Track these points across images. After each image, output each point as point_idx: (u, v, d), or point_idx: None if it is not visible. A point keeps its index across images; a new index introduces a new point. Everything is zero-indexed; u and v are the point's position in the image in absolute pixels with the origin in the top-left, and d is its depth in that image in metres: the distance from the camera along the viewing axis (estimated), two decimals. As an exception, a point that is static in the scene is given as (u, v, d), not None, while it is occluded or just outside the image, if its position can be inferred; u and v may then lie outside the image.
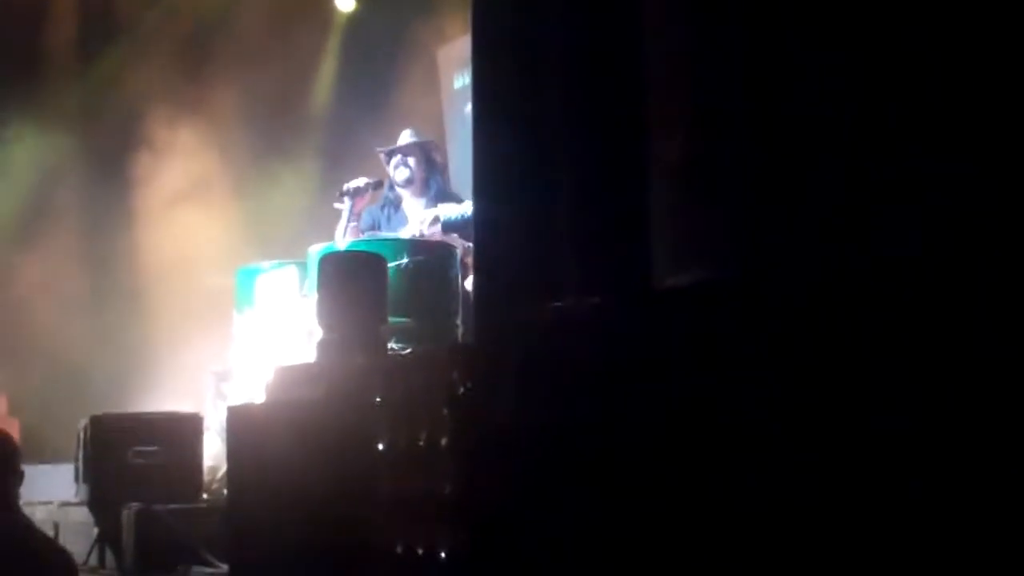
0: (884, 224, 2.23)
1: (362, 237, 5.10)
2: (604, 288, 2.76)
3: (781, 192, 2.42)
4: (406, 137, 5.55)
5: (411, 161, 5.48)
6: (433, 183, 5.53)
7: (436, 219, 5.25)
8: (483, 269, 3.35)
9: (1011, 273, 1.91)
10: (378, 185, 5.37)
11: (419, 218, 5.37)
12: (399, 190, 5.53)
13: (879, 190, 2.25)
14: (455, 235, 5.11)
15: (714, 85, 2.53)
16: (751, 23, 2.44)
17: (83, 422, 4.71)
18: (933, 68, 2.17)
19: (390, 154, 5.53)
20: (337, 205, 5.23)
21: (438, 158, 5.64)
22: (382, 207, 5.56)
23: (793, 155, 2.41)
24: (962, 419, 1.91)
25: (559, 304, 2.81)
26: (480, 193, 3.60)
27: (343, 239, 4.91)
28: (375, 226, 5.44)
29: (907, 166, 2.21)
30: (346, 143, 7.42)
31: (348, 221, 5.14)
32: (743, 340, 2.24)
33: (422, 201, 5.48)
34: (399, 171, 5.49)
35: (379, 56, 7.90)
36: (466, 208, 4.94)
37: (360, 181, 5.31)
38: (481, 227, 3.50)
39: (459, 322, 4.75)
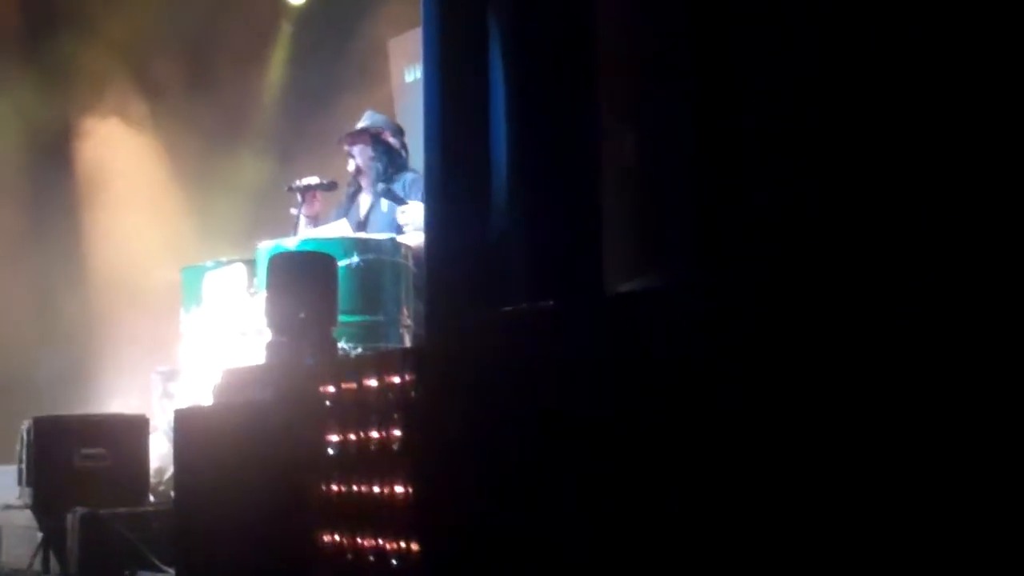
0: (836, 227, 2.23)
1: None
2: (557, 292, 2.74)
3: (733, 196, 2.41)
4: (361, 121, 5.45)
5: (356, 150, 5.38)
6: (390, 167, 5.34)
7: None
8: (435, 271, 3.32)
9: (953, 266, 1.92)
10: (330, 186, 5.30)
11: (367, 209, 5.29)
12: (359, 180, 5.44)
13: (830, 193, 2.25)
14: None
15: (665, 90, 2.52)
16: (703, 28, 2.43)
17: (26, 423, 4.63)
18: (887, 70, 2.17)
19: (341, 143, 5.42)
20: (293, 210, 5.15)
21: (390, 139, 5.40)
22: (349, 203, 5.48)
23: (745, 159, 2.40)
24: (914, 420, 1.91)
25: (512, 307, 2.79)
26: (431, 193, 3.57)
27: (294, 238, 4.85)
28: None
29: (861, 168, 2.20)
30: (297, 137, 7.35)
31: (298, 219, 5.08)
32: (696, 345, 2.24)
33: (373, 189, 5.38)
34: (349, 163, 5.42)
35: (330, 48, 7.82)
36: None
37: (311, 179, 5.24)
38: (432, 228, 3.47)
39: (410, 321, 4.72)
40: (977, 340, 1.85)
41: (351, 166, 5.42)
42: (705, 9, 2.43)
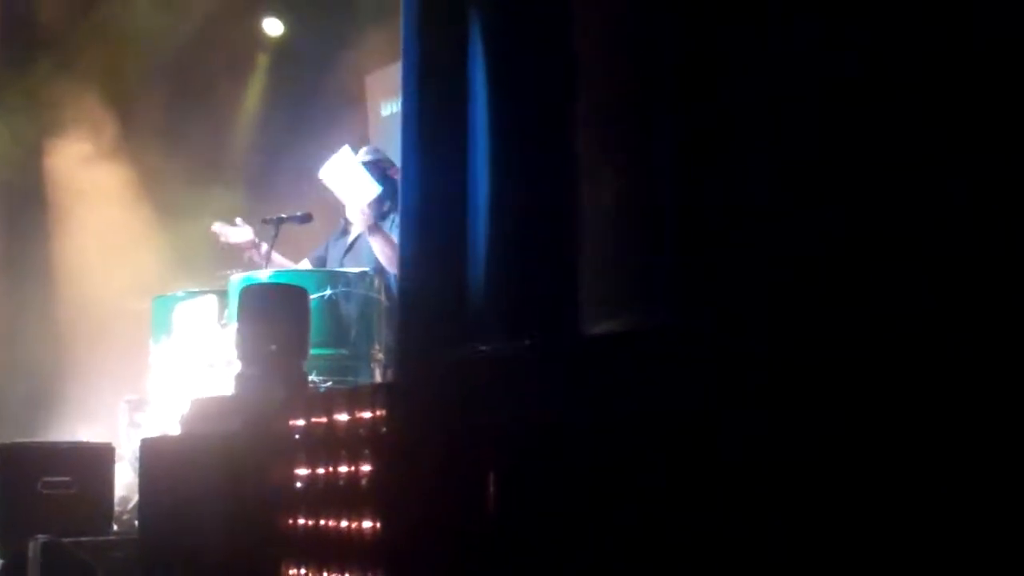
0: (817, 270, 2.25)
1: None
2: (533, 332, 2.75)
3: (713, 238, 2.43)
4: (363, 155, 5.46)
5: None
6: (386, 201, 5.33)
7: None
8: (408, 307, 3.32)
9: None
10: (304, 219, 5.30)
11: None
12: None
13: (810, 237, 2.26)
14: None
15: (645, 130, 2.54)
16: (685, 69, 2.46)
17: (-10, 450, 4.59)
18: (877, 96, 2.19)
19: None
20: (253, 252, 5.12)
21: (395, 176, 5.44)
22: (337, 236, 5.48)
23: (727, 199, 2.42)
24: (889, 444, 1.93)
25: (485, 347, 2.79)
26: (406, 229, 3.57)
27: (266, 270, 4.84)
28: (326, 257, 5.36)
29: (834, 210, 2.22)
30: (271, 169, 7.35)
31: (270, 251, 5.07)
32: (674, 387, 2.25)
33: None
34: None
35: (307, 81, 7.84)
36: None
37: (287, 212, 5.25)
38: (406, 264, 3.47)
39: (381, 355, 4.72)
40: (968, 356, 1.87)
41: None
42: (687, 50, 2.46)
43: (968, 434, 1.85)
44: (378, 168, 5.39)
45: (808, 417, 2.04)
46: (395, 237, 5.19)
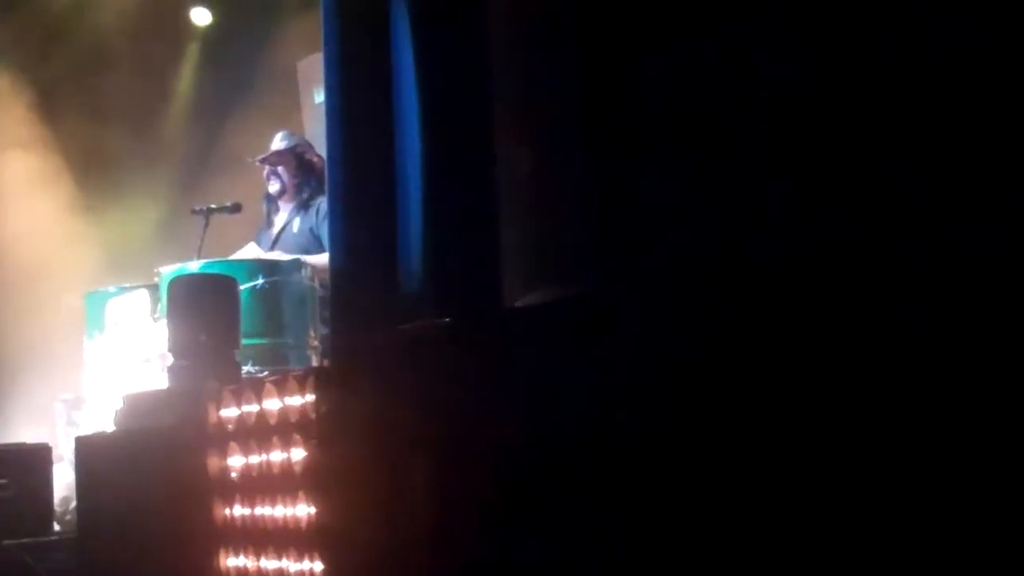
0: (728, 237, 2.28)
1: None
2: (456, 308, 2.76)
3: (626, 209, 2.45)
4: (277, 142, 5.40)
5: (280, 170, 5.35)
6: (306, 187, 5.32)
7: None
8: (338, 290, 3.32)
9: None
10: (234, 208, 5.26)
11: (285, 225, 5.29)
12: (277, 201, 5.40)
13: (726, 204, 2.29)
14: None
15: (555, 107, 2.56)
16: (589, 51, 2.47)
17: (-74, 454, 4.52)
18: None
19: (263, 163, 5.39)
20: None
21: (314, 159, 5.35)
22: (266, 224, 5.44)
23: (636, 170, 2.44)
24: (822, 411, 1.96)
25: (411, 325, 2.80)
26: (335, 213, 3.57)
27: (197, 262, 4.80)
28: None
29: (752, 178, 2.25)
30: (203, 159, 7.27)
31: (202, 243, 5.03)
32: (592, 358, 2.27)
33: (290, 207, 5.36)
34: (271, 183, 5.36)
35: (238, 70, 7.76)
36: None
37: (217, 203, 5.21)
38: (336, 248, 3.47)
39: (317, 343, 4.70)
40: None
41: (273, 187, 5.37)
42: (591, 35, 2.47)
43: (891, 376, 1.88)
44: (294, 154, 5.36)
45: (731, 379, 2.06)
46: (319, 223, 5.17)
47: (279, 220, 5.40)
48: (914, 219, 1.90)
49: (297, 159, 5.36)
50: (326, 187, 3.72)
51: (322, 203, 5.19)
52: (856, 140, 2.00)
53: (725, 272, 2.19)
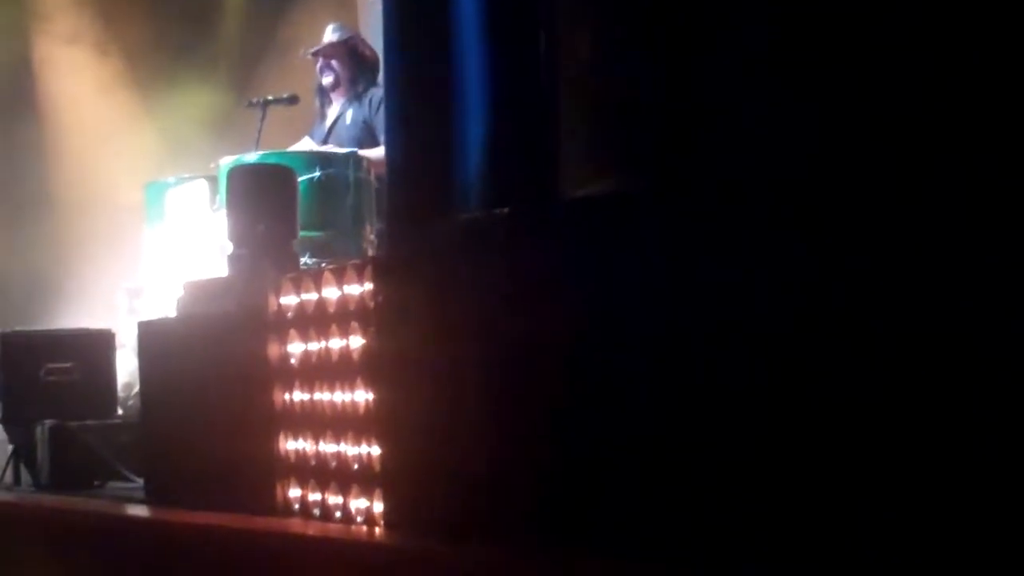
0: (794, 133, 2.25)
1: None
2: (514, 199, 2.77)
3: (693, 100, 2.43)
4: (329, 34, 5.39)
5: (334, 63, 5.35)
6: (360, 80, 5.32)
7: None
8: (394, 181, 3.34)
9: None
10: (291, 100, 5.27)
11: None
12: (330, 94, 5.41)
13: (791, 97, 2.26)
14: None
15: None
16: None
17: (-7, 339, 4.65)
18: None
19: (316, 56, 5.38)
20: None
21: (367, 51, 5.35)
22: (320, 118, 5.46)
23: (705, 61, 2.41)
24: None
25: (469, 216, 2.82)
26: (392, 107, 3.57)
27: (255, 153, 4.83)
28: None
29: (818, 77, 2.22)
30: (260, 52, 7.26)
31: (259, 135, 5.06)
32: (654, 250, 2.27)
33: (343, 99, 5.36)
34: (324, 76, 5.36)
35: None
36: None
37: (274, 94, 5.22)
38: (392, 139, 3.48)
39: (372, 236, 4.74)
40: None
41: (327, 79, 5.37)
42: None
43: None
44: (347, 46, 5.35)
45: (786, 276, 2.06)
46: (372, 115, 5.17)
47: (332, 112, 5.41)
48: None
49: (350, 51, 5.35)
50: (383, 78, 3.71)
51: (375, 94, 5.19)
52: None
53: (787, 170, 2.17)
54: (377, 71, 5.30)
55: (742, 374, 2.09)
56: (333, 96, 5.41)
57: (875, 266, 1.94)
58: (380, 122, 5.09)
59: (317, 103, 5.48)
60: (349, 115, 5.33)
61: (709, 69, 2.39)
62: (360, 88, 5.31)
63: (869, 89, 2.08)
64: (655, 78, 2.50)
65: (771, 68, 2.28)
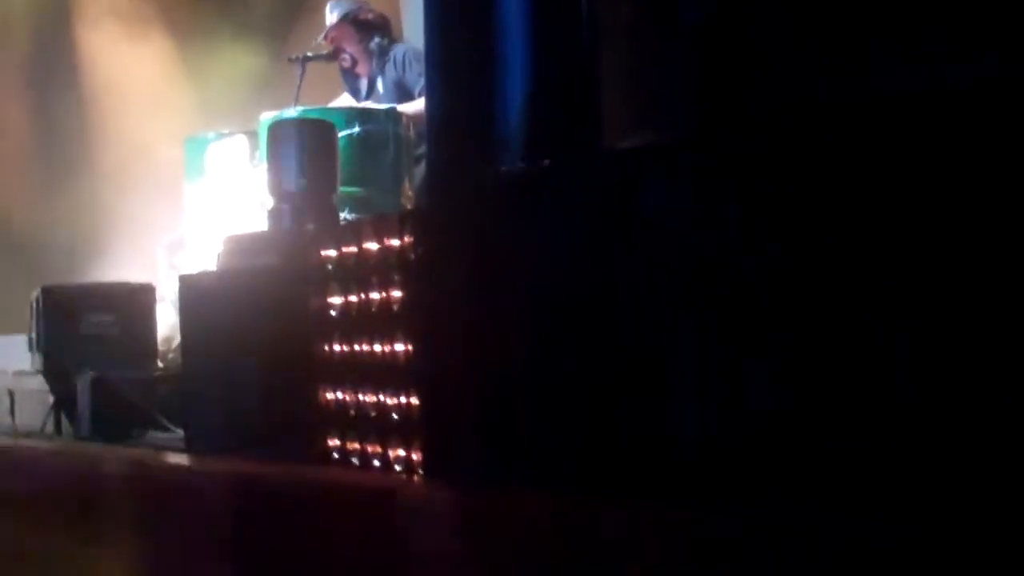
0: (838, 81, 2.22)
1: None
2: (555, 150, 2.76)
3: (735, 51, 2.41)
4: (329, 15, 5.33)
5: (344, 45, 5.30)
6: (376, 47, 5.28)
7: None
8: (434, 134, 3.33)
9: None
10: (331, 56, 5.26)
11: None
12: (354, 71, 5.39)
13: (832, 48, 2.23)
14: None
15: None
16: None
17: (36, 292, 4.70)
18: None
19: (326, 41, 5.35)
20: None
21: (370, 17, 5.32)
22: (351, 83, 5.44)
23: (747, 11, 2.39)
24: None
25: (509, 168, 2.81)
26: (431, 61, 3.56)
27: (295, 109, 4.84)
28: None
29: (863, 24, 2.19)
30: (297, 7, 7.27)
31: (298, 91, 5.06)
32: (698, 201, 2.26)
33: (368, 71, 5.34)
34: (341, 61, 5.33)
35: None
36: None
37: (313, 51, 5.22)
38: (432, 93, 3.47)
39: (411, 192, 4.74)
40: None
41: (345, 63, 5.34)
42: None
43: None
44: (348, 21, 5.30)
45: (841, 224, 2.04)
46: (402, 73, 5.15)
47: (363, 87, 5.39)
48: None
49: (354, 24, 5.30)
50: (423, 28, 3.68)
51: (397, 51, 5.17)
52: None
53: (832, 117, 2.15)
54: (388, 28, 5.27)
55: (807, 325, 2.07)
56: (358, 72, 5.39)
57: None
58: (411, 77, 5.09)
59: (346, 87, 5.45)
60: (380, 84, 5.31)
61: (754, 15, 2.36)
62: (377, 52, 5.27)
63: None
64: (698, 30, 2.48)
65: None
